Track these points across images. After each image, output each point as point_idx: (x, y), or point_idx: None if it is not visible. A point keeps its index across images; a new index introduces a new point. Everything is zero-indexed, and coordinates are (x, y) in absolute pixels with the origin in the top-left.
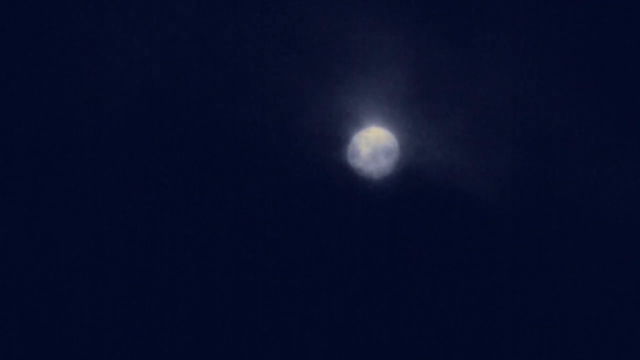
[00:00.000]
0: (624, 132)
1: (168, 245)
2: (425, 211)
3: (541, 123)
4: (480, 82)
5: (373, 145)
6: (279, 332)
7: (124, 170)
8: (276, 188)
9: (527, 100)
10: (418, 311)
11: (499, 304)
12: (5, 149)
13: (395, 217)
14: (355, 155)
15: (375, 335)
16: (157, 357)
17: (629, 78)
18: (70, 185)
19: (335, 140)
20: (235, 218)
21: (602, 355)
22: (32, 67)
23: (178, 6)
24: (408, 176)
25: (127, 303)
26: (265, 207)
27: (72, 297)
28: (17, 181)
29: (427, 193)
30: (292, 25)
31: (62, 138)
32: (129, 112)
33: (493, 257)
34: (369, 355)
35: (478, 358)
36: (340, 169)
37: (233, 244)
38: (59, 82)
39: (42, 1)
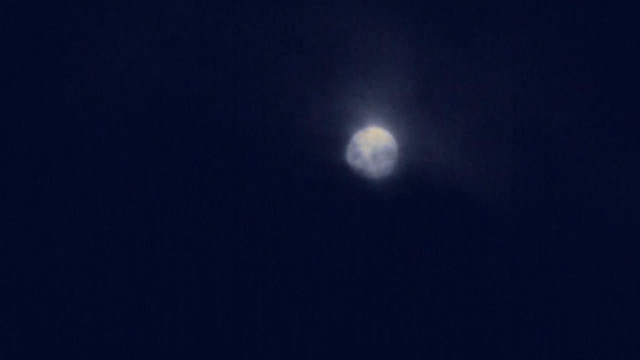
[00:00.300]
0: (624, 132)
1: (168, 245)
2: (426, 211)
3: (541, 123)
4: (480, 82)
5: (373, 145)
6: (279, 331)
7: (124, 170)
8: (276, 188)
9: (527, 100)
10: (418, 311)
11: (499, 304)
12: (5, 149)
13: (395, 217)
14: (355, 155)
15: (375, 335)
16: (157, 357)
17: (629, 78)
18: (70, 185)
19: (335, 140)
20: (236, 218)
21: (602, 355)
22: (33, 67)
23: (178, 6)
24: (408, 177)
25: (127, 303)
26: (265, 207)
27: (72, 296)
28: (17, 181)
29: (427, 193)
30: (292, 25)
31: (63, 138)
32: (129, 112)
33: (493, 257)
34: (369, 355)
35: (478, 358)
36: (341, 170)
37: (233, 243)
38: (59, 82)
39: (42, 1)
